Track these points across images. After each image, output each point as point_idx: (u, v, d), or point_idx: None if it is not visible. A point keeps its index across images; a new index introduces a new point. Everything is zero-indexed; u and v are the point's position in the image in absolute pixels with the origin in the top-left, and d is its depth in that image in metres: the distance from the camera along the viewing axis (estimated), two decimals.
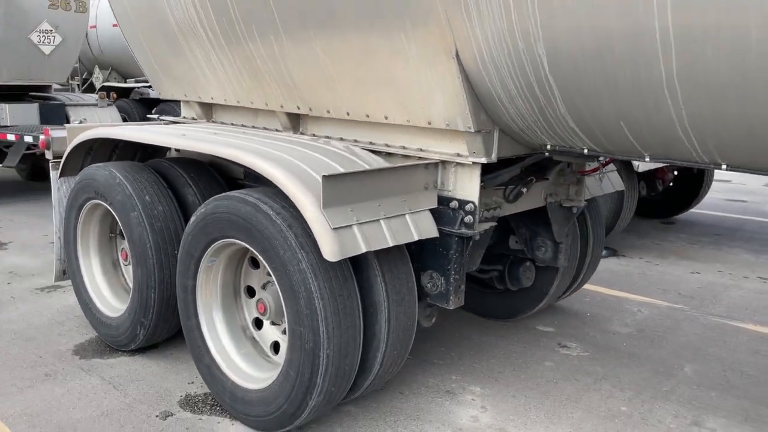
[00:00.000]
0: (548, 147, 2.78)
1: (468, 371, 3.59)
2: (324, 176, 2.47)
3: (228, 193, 2.88)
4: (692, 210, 7.92)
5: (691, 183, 7.30)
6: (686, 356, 3.86)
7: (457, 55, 2.52)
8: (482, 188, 2.95)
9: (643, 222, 7.50)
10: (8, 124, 7.52)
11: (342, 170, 2.70)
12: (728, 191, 9.78)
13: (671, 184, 7.41)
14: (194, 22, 3.48)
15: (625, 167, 5.67)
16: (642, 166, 5.66)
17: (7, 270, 5.24)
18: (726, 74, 1.90)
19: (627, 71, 2.10)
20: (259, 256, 2.73)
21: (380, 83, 2.88)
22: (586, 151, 2.66)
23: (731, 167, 2.23)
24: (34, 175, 9.20)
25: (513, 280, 3.92)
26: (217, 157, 3.11)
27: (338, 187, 2.51)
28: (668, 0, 1.88)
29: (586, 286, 4.90)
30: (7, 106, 7.58)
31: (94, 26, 12.07)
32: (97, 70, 13.55)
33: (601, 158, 3.42)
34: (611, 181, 4.11)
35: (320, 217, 2.46)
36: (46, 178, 8.80)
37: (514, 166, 3.03)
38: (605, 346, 3.98)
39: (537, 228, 3.74)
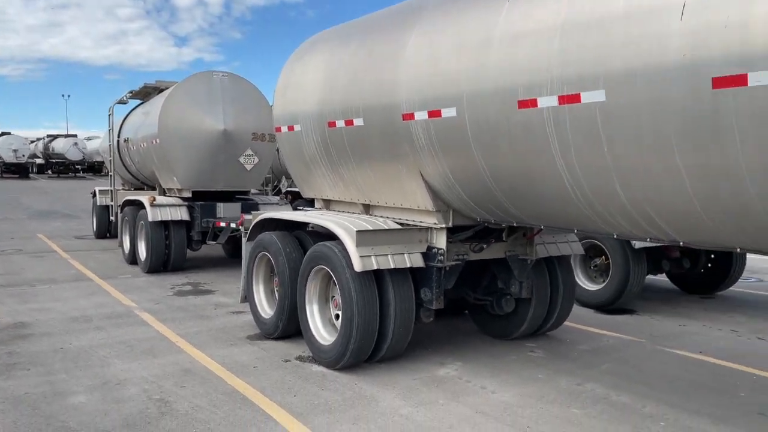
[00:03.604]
0: (478, 220, 5.25)
1: (460, 356, 5.88)
2: (357, 231, 5.19)
3: (319, 243, 5.73)
4: (748, 290, 9.22)
5: (723, 264, 8.75)
6: (605, 359, 5.76)
7: (421, 174, 5.18)
8: (451, 242, 5.46)
9: (685, 296, 9.00)
10: (222, 216, 11.30)
11: (369, 228, 5.39)
12: None
13: (709, 264, 8.90)
14: (316, 156, 6.54)
15: (627, 243, 7.59)
16: (638, 244, 7.52)
17: (215, 304, 8.51)
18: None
19: (477, 184, 4.61)
20: (331, 273, 5.48)
21: (395, 188, 5.60)
22: (493, 220, 5.09)
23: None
24: (235, 252, 13.01)
25: (498, 307, 6.18)
26: (316, 225, 6.02)
27: (365, 237, 5.21)
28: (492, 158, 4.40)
29: (583, 326, 6.90)
30: (221, 204, 11.41)
31: None
32: (284, 179, 17.95)
33: (533, 229, 5.72)
34: (570, 247, 6.27)
35: (354, 251, 5.16)
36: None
37: (468, 231, 5.51)
38: (562, 354, 6.01)
39: (511, 273, 6.02)
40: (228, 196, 11.89)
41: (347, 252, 5.27)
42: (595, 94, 3.48)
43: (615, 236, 4.17)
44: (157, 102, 11.88)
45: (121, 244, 12.74)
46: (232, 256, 13.14)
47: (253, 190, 12.88)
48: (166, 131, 10.96)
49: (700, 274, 8.97)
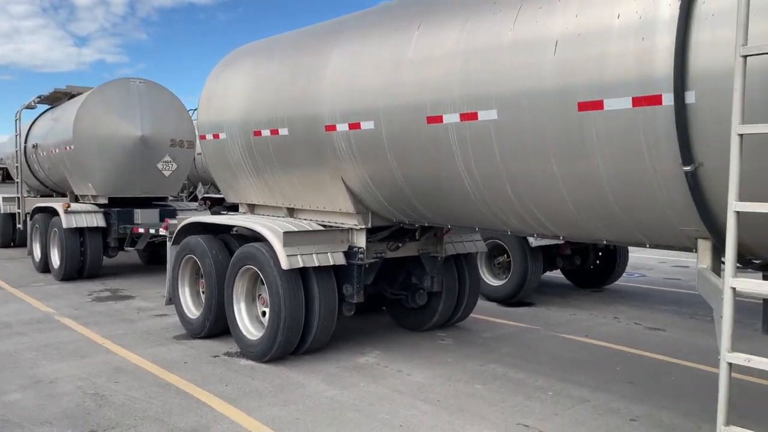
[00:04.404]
0: (394, 221, 5.85)
1: (379, 346, 6.45)
2: (284, 232, 5.65)
3: (246, 244, 6.13)
4: (631, 284, 10.41)
5: (609, 261, 9.87)
6: (505, 344, 6.53)
7: (343, 180, 5.71)
8: (370, 242, 6.02)
9: (577, 290, 10.05)
10: (140, 222, 11.31)
11: (295, 230, 5.86)
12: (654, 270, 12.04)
13: (598, 261, 10.00)
14: (241, 163, 6.93)
15: (526, 243, 8.47)
16: (534, 242, 8.41)
17: (137, 308, 8.63)
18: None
19: (389, 185, 5.20)
20: (259, 272, 5.89)
21: (320, 193, 6.11)
22: (407, 220, 5.70)
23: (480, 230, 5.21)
24: (151, 259, 12.98)
25: (413, 301, 6.81)
26: (242, 227, 6.41)
27: (291, 238, 5.67)
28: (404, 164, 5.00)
29: (488, 317, 7.66)
30: (139, 210, 11.42)
31: (200, 153, 16.33)
32: (200, 185, 17.94)
33: (443, 229, 6.39)
34: (475, 245, 7.00)
35: (281, 250, 5.60)
36: (160, 261, 12.55)
37: (385, 231, 6.10)
38: (469, 341, 6.72)
39: (424, 270, 6.67)
40: (146, 203, 11.90)
41: (275, 252, 5.70)
42: (490, 113, 4.15)
43: (509, 233, 4.88)
44: (70, 107, 11.73)
45: (31, 253, 12.41)
46: (148, 263, 13.09)
47: (169, 197, 12.92)
48: (81, 137, 10.88)
49: (590, 270, 10.04)
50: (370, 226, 5.97)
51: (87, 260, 10.95)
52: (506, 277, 8.95)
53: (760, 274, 3.95)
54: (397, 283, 6.94)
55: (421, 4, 5.15)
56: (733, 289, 2.87)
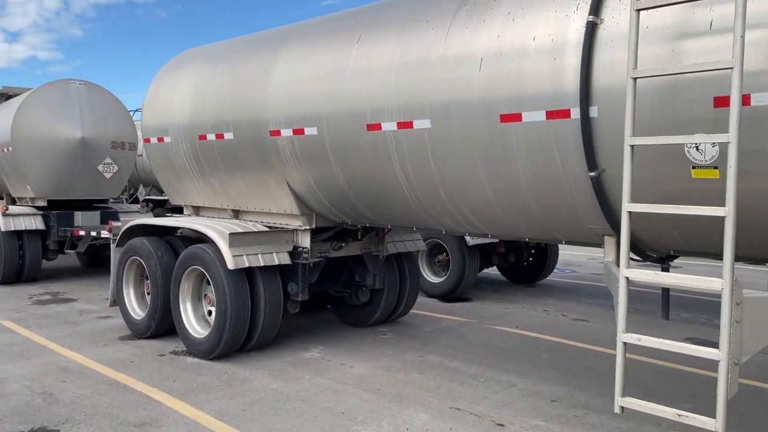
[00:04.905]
0: (337, 221, 6.16)
1: (322, 342, 6.74)
2: (230, 233, 5.87)
3: (192, 245, 6.31)
4: (562, 279, 11.07)
5: (540, 258, 10.49)
6: (443, 337, 6.95)
7: (288, 182, 5.98)
8: (314, 242, 6.31)
9: (512, 286, 10.63)
10: (80, 225, 11.19)
11: (240, 231, 6.08)
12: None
13: (531, 258, 10.60)
14: (186, 166, 7.09)
15: (463, 242, 8.94)
16: (471, 241, 8.89)
17: (79, 310, 8.61)
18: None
19: (333, 187, 5.51)
20: (205, 272, 6.09)
21: (264, 195, 6.35)
22: (350, 221, 6.02)
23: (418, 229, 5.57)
24: (91, 262, 12.82)
25: (356, 298, 7.14)
26: (188, 228, 6.59)
27: (236, 239, 5.89)
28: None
29: (428, 312, 8.07)
30: (80, 213, 11.30)
31: (141, 155, 16.14)
32: (141, 187, 17.74)
33: (384, 229, 6.75)
34: (415, 244, 7.39)
35: (227, 251, 5.82)
36: (100, 264, 12.43)
37: (329, 231, 6.40)
38: (409, 335, 7.10)
39: (366, 268, 7.00)
40: (86, 205, 11.77)
41: (221, 252, 5.91)
42: (424, 122, 4.52)
43: (444, 232, 5.27)
44: (7, 109, 11.48)
45: None
46: (88, 266, 12.93)
47: (110, 199, 12.80)
48: (19, 139, 10.69)
49: (524, 266, 10.63)
50: (314, 226, 6.26)
51: (26, 263, 10.78)
52: (445, 275, 9.40)
53: (659, 267, 4.47)
54: (340, 282, 7.25)
55: (361, 17, 5.49)
56: (627, 278, 3.33)
